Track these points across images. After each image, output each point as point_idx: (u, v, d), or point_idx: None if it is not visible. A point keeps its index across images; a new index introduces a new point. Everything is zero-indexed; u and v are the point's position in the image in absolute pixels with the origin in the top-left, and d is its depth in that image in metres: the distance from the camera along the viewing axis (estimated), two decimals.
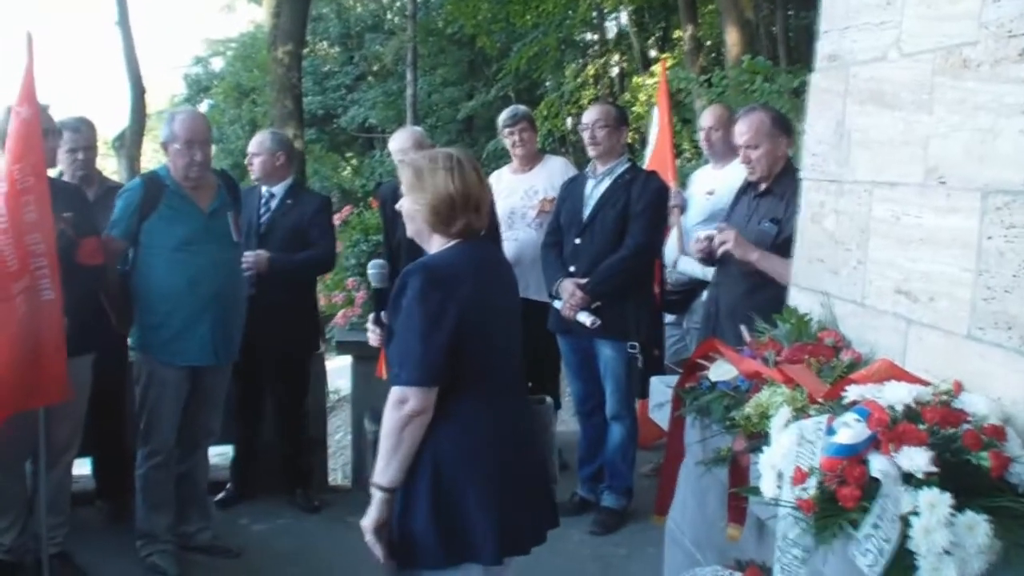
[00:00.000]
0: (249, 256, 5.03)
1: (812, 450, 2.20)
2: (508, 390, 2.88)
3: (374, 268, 3.29)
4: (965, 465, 2.03)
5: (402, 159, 5.00)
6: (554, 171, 5.66)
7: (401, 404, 2.64)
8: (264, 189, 5.37)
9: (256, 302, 4.94)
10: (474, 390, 2.75)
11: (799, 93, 8.72)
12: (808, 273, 3.29)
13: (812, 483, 2.12)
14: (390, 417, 2.66)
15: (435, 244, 2.85)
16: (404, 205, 2.86)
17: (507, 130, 5.67)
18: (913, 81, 2.67)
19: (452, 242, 2.82)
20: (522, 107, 6.00)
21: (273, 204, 5.35)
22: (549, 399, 3.20)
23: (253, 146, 5.40)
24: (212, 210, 4.51)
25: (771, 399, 2.65)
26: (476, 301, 2.72)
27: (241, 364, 4.88)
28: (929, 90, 2.58)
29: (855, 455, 2.09)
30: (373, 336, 3.27)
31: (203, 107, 29.65)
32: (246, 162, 5.43)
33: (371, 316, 3.33)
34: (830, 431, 2.19)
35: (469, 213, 2.78)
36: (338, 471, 8.13)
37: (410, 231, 2.88)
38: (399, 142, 5.22)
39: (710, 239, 4.20)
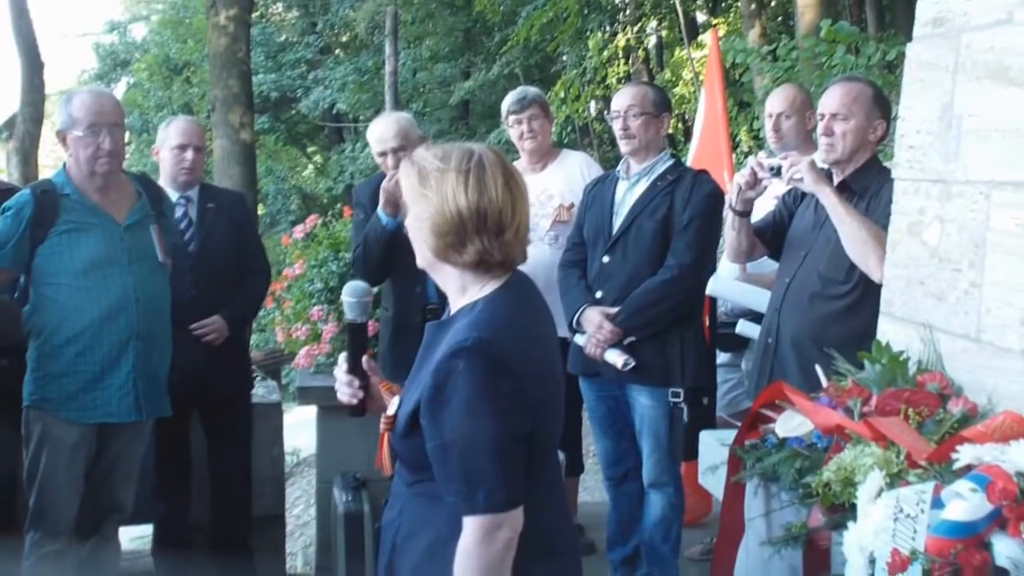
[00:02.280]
0: (203, 328, 5.14)
1: (914, 527, 2.19)
2: (553, 469, 2.83)
3: (352, 295, 2.94)
4: None
5: (399, 155, 5.02)
6: (573, 170, 5.67)
7: (493, 534, 2.50)
8: (174, 194, 5.31)
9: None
10: (541, 473, 2.68)
11: (893, 68, 8.76)
12: (904, 299, 3.28)
13: (916, 571, 2.10)
14: (480, 556, 2.51)
15: (453, 281, 2.69)
16: (407, 221, 2.71)
17: (513, 117, 5.67)
18: None
19: (484, 285, 2.66)
20: (533, 89, 6.01)
21: (193, 212, 5.35)
22: (561, 455, 3.16)
23: (194, 136, 5.37)
24: (130, 223, 4.50)
25: (857, 461, 2.64)
26: (545, 370, 2.64)
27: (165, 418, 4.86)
28: None
29: (973, 536, 2.08)
30: (346, 391, 2.93)
31: (121, 87, 29.83)
32: (166, 156, 5.38)
33: (341, 360, 2.96)
34: (938, 503, 2.18)
35: (485, 236, 2.58)
36: (298, 555, 8.12)
37: (417, 258, 2.74)
38: (380, 131, 5.20)
39: (776, 171, 4.18)
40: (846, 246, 3.87)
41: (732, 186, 4.44)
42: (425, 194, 2.59)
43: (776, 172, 4.19)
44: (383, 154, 5.20)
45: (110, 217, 4.46)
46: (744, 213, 4.42)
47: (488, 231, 2.57)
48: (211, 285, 5.24)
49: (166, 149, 5.33)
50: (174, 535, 5.46)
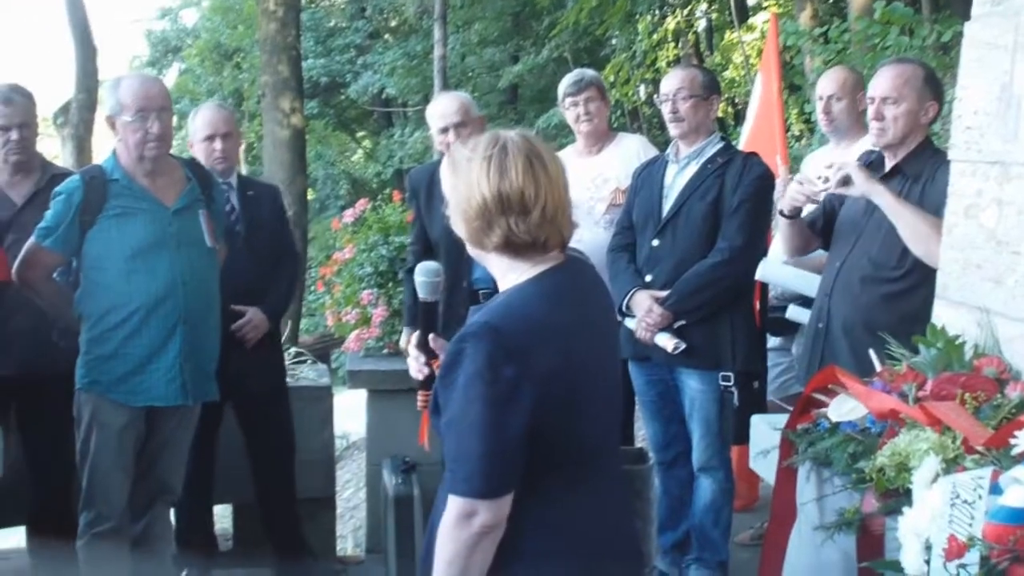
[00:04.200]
0: (241, 322, 5.17)
1: (971, 513, 2.17)
2: (600, 463, 2.76)
3: (425, 275, 3.06)
4: None
5: (460, 131, 5.08)
6: (629, 153, 5.63)
7: (468, 519, 2.50)
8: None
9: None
10: (556, 477, 2.64)
11: (948, 49, 8.65)
12: (960, 283, 3.25)
13: (973, 558, 2.08)
14: (453, 537, 2.53)
15: (495, 266, 2.71)
16: (448, 206, 2.75)
17: (569, 100, 5.64)
18: None
19: (523, 270, 2.66)
20: (590, 71, 5.98)
21: (235, 199, 5.39)
22: (651, 456, 3.12)
23: (220, 124, 5.38)
24: (179, 207, 4.52)
25: (912, 446, 2.62)
26: (565, 365, 2.58)
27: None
28: None
29: None
30: (415, 365, 3.03)
31: (172, 72, 30.06)
32: (199, 148, 5.40)
33: (414, 337, 3.05)
34: (995, 489, 2.15)
35: (511, 217, 2.60)
36: (348, 538, 8.15)
37: (468, 250, 2.77)
38: (442, 108, 5.23)
39: (825, 181, 4.16)
40: (909, 243, 3.82)
41: (781, 199, 4.41)
42: (455, 184, 2.65)
43: (825, 181, 4.16)
44: (444, 130, 5.19)
45: (158, 201, 4.48)
46: (793, 216, 4.39)
47: (512, 212, 2.58)
48: (262, 267, 5.32)
49: (197, 142, 5.37)
50: (197, 528, 5.50)
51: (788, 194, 4.32)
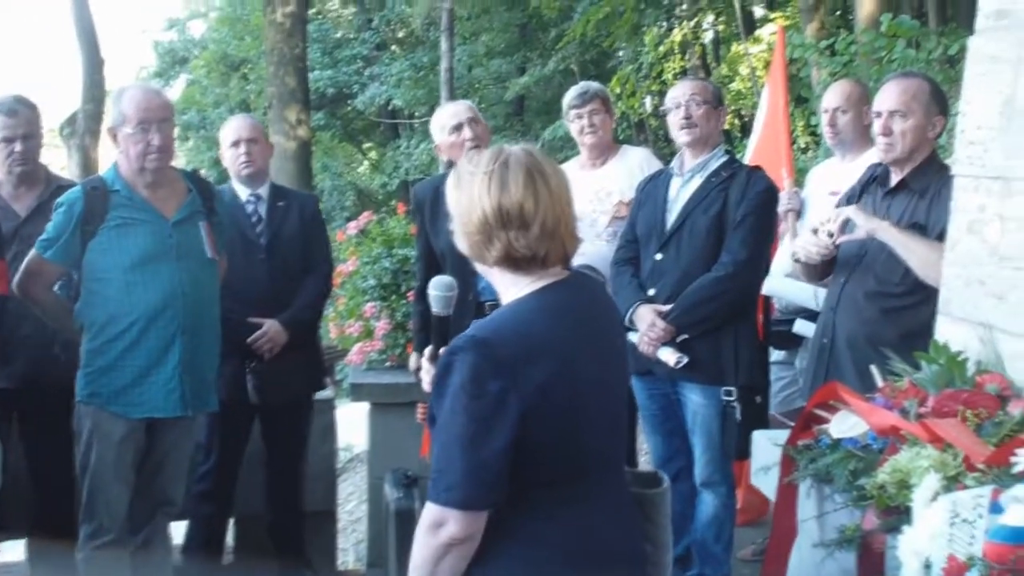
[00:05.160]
0: (257, 334, 5.19)
1: (971, 532, 2.16)
2: (599, 480, 2.75)
3: (439, 289, 3.08)
4: None
5: (475, 127, 5.19)
6: (634, 166, 5.62)
7: (437, 528, 2.52)
8: (245, 192, 5.42)
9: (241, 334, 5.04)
10: (548, 499, 2.63)
11: (955, 63, 8.64)
12: (963, 298, 3.24)
13: None
14: (423, 543, 2.55)
15: (497, 281, 2.74)
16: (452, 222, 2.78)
17: (574, 112, 5.64)
18: None
19: (524, 284, 2.68)
20: (595, 84, 5.99)
21: (262, 210, 5.41)
22: (666, 479, 3.10)
23: (244, 130, 5.46)
24: (179, 218, 4.54)
25: (913, 463, 2.61)
26: (558, 382, 2.57)
27: (224, 417, 4.95)
28: None
29: None
30: (428, 378, 3.03)
31: (180, 83, 30.14)
32: (226, 156, 5.50)
33: (427, 351, 3.08)
34: (996, 508, 2.14)
35: (511, 231, 2.61)
36: (349, 551, 8.15)
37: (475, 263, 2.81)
38: (452, 109, 5.27)
39: (831, 235, 4.16)
40: (919, 273, 3.81)
41: (796, 252, 4.42)
42: (459, 199, 2.68)
43: (831, 235, 4.18)
44: (458, 127, 5.22)
45: (159, 213, 4.50)
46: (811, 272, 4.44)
47: (512, 226, 2.60)
48: (282, 280, 5.34)
49: (225, 149, 5.46)
50: (215, 536, 5.51)
51: (803, 249, 4.31)
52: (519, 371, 2.50)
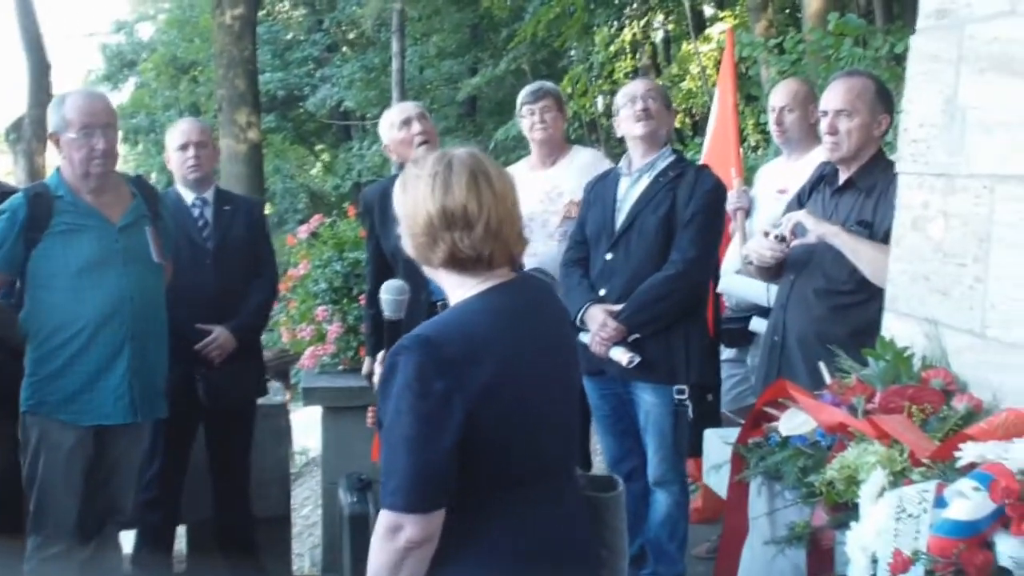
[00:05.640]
0: (206, 341, 5.17)
1: (916, 527, 2.18)
2: (551, 485, 2.75)
3: (390, 293, 3.12)
4: None
5: (424, 122, 5.17)
6: (584, 166, 5.62)
7: (394, 533, 2.50)
8: (190, 195, 5.39)
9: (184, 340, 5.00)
10: (497, 499, 2.63)
11: (901, 60, 8.72)
12: (908, 294, 3.27)
13: (918, 572, 2.09)
14: (380, 550, 2.54)
15: (444, 283, 2.74)
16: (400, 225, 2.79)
17: (526, 108, 5.64)
18: None
19: (470, 286, 2.68)
20: (550, 83, 6.01)
21: (209, 214, 5.39)
22: (621, 483, 3.10)
23: (193, 133, 5.43)
24: (125, 224, 4.51)
25: (861, 459, 2.63)
26: (503, 383, 2.57)
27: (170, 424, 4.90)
28: None
29: (976, 535, 2.07)
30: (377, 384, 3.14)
31: (128, 87, 29.87)
32: (173, 159, 5.46)
33: (380, 356, 3.10)
34: (940, 503, 2.17)
35: (456, 232, 2.62)
36: (305, 556, 8.10)
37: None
38: (399, 106, 5.28)
39: (781, 239, 4.18)
40: (871, 277, 3.82)
41: (749, 254, 4.45)
42: (404, 201, 2.69)
43: (783, 239, 4.21)
44: (407, 121, 5.20)
45: (104, 218, 4.47)
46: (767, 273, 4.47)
47: (456, 227, 2.62)
48: (230, 284, 5.31)
49: (172, 152, 5.43)
50: (163, 543, 5.46)
51: (756, 252, 4.34)
52: (464, 371, 2.50)
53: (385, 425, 2.55)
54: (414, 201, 2.65)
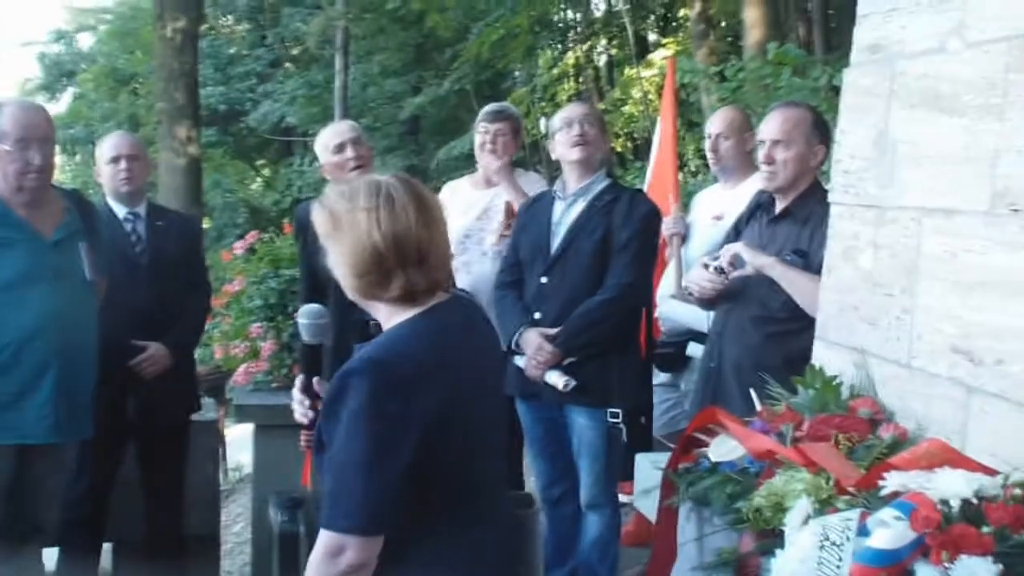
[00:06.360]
0: (141, 357, 5.09)
1: (839, 555, 2.19)
2: (490, 504, 2.76)
3: (308, 317, 3.05)
4: None
5: (358, 147, 5.05)
6: (529, 191, 5.62)
7: (335, 556, 2.47)
8: (122, 210, 5.33)
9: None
10: (443, 520, 2.62)
11: (839, 91, 8.83)
12: (838, 324, 3.30)
13: None
14: (320, 572, 2.50)
15: (382, 311, 2.67)
16: (329, 259, 2.69)
17: (483, 125, 5.61)
18: (980, 79, 2.69)
19: (409, 311, 2.63)
20: (515, 108, 6.01)
21: (141, 228, 5.32)
22: (537, 501, 3.11)
23: (124, 147, 5.36)
24: (58, 239, 4.44)
25: (788, 487, 2.65)
26: (453, 402, 2.57)
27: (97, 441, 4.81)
28: (1002, 91, 2.60)
29: (896, 564, 2.09)
30: (300, 409, 3.05)
31: (66, 97, 29.58)
32: (104, 172, 5.37)
33: (298, 381, 3.07)
34: (863, 531, 2.18)
35: (409, 268, 2.57)
36: (234, 574, 8.00)
37: (349, 295, 2.73)
38: (334, 128, 5.22)
39: (720, 271, 4.22)
40: (806, 308, 3.82)
41: (689, 286, 4.50)
42: (339, 237, 2.59)
43: (722, 271, 4.25)
44: (342, 146, 5.08)
45: (36, 232, 4.39)
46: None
47: (409, 262, 2.56)
48: (163, 300, 5.21)
49: (102, 165, 5.34)
50: (88, 561, 5.37)
51: (696, 284, 4.38)
52: (416, 391, 2.48)
53: (334, 449, 2.50)
54: (356, 237, 2.56)
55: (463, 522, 2.64)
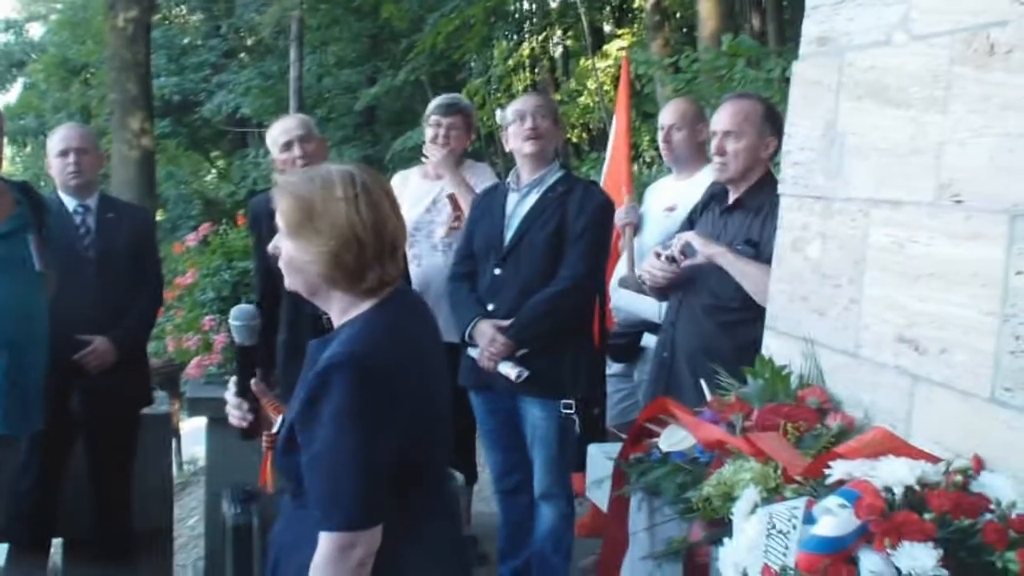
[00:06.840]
0: (84, 352, 5.09)
1: (785, 543, 2.21)
2: (446, 489, 2.82)
3: (239, 319, 2.92)
4: (985, 568, 2.05)
5: (305, 146, 5.06)
6: (478, 182, 5.63)
7: (347, 553, 2.47)
8: (72, 202, 5.29)
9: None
10: (420, 500, 2.65)
11: None
12: (787, 314, 3.32)
13: None
14: (334, 573, 2.49)
15: (337, 304, 2.64)
16: (284, 251, 2.62)
17: (435, 118, 5.61)
18: (925, 72, 2.71)
19: (365, 303, 2.61)
20: (467, 100, 5.99)
21: (91, 221, 5.29)
22: (459, 476, 3.13)
23: (73, 139, 5.34)
24: (6, 231, 4.41)
25: (736, 476, 2.67)
26: (426, 389, 2.61)
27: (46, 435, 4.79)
28: (945, 84, 2.63)
29: (840, 551, 2.11)
30: (235, 415, 2.94)
31: (16, 87, 29.27)
32: (54, 164, 5.35)
33: (231, 384, 2.97)
34: (809, 519, 2.20)
35: (385, 260, 2.56)
36: (189, 568, 7.96)
37: (291, 283, 2.67)
38: (283, 124, 5.20)
39: (672, 260, 4.23)
40: (756, 297, 3.85)
41: (642, 275, 4.51)
42: (316, 228, 2.52)
43: (673, 260, 4.25)
44: (289, 144, 5.09)
45: None
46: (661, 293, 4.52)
47: (386, 253, 2.56)
48: (113, 294, 5.20)
49: (52, 158, 5.34)
50: (37, 557, 5.34)
51: (648, 274, 4.39)
52: (397, 382, 2.49)
53: (319, 448, 2.48)
54: (335, 227, 2.51)
55: (432, 504, 2.69)
